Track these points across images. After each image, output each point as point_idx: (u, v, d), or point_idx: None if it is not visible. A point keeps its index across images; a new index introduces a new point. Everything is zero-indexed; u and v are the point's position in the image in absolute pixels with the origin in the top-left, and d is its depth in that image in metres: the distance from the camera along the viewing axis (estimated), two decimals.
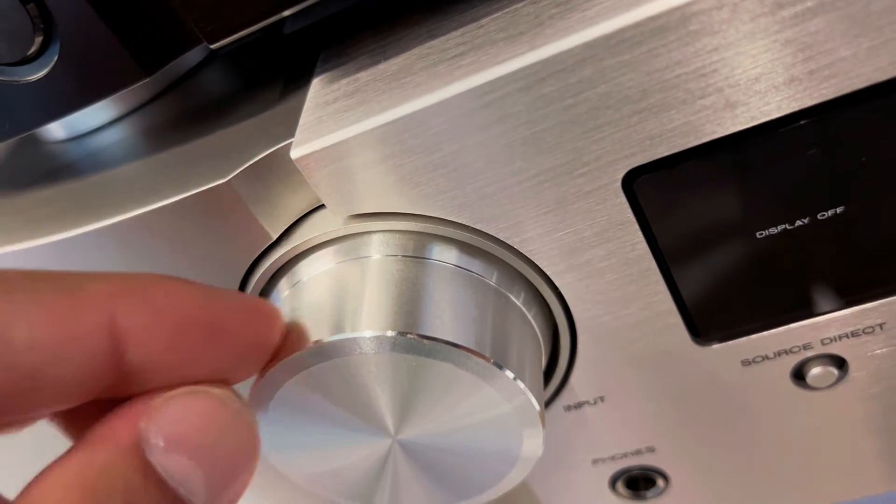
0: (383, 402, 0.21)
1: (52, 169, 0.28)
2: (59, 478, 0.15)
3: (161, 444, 0.16)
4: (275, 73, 0.26)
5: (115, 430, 0.16)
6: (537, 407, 0.21)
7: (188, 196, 0.21)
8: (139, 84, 0.22)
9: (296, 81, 0.24)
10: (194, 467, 0.16)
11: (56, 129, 0.29)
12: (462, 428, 0.22)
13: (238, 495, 0.17)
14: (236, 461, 0.17)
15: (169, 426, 0.16)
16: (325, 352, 0.20)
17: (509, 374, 0.20)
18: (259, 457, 0.17)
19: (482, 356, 0.20)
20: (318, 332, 0.20)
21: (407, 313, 0.20)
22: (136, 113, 0.28)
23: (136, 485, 0.15)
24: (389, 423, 0.21)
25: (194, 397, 0.17)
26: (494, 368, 0.20)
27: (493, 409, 0.21)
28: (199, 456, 0.16)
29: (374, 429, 0.21)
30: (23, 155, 0.30)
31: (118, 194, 0.23)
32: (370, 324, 0.20)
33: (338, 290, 0.21)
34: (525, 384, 0.21)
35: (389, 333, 0.20)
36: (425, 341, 0.20)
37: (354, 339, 0.20)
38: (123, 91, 0.26)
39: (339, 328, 0.20)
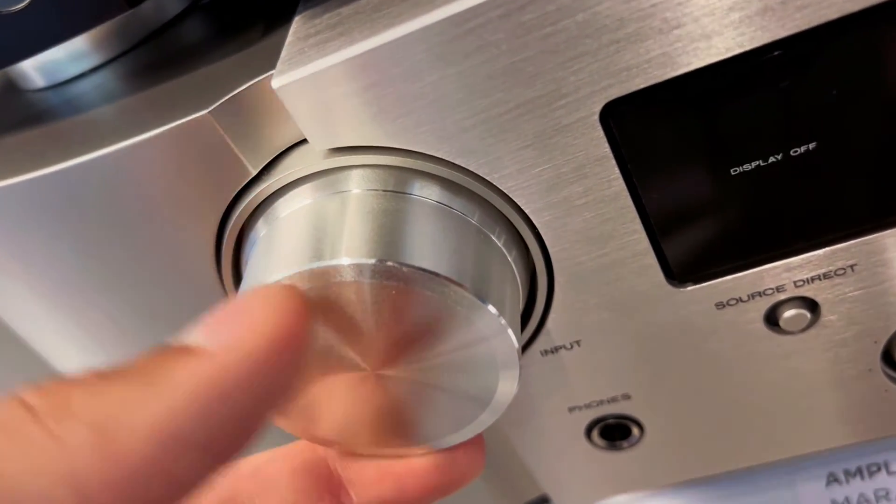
0: (361, 334, 0.21)
1: (31, 115, 0.28)
2: None
3: None
4: (256, 20, 0.27)
5: None
6: (515, 344, 0.21)
7: (168, 129, 0.22)
8: (122, 16, 0.22)
9: (278, 21, 0.24)
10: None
11: (35, 78, 0.29)
12: (438, 364, 0.22)
13: (266, 335, 0.16)
14: (238, 307, 0.17)
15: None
16: (303, 279, 0.20)
17: (491, 308, 0.21)
18: (299, 325, 0.17)
19: (463, 287, 0.20)
20: (296, 261, 0.20)
21: (388, 243, 0.20)
22: (116, 61, 0.28)
23: None
24: (368, 355, 0.21)
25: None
26: (475, 300, 0.20)
27: (470, 345, 0.21)
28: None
29: (351, 361, 0.21)
30: (0, 103, 0.30)
31: (98, 132, 0.23)
32: (350, 251, 0.20)
33: (317, 222, 0.21)
34: (505, 320, 0.21)
35: (370, 260, 0.20)
36: (405, 268, 0.20)
37: (334, 266, 0.20)
38: (104, 35, 0.26)
39: (318, 256, 0.20)
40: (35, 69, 0.28)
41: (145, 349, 0.26)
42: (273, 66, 0.21)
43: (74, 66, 0.28)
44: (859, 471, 0.31)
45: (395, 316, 0.21)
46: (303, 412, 0.23)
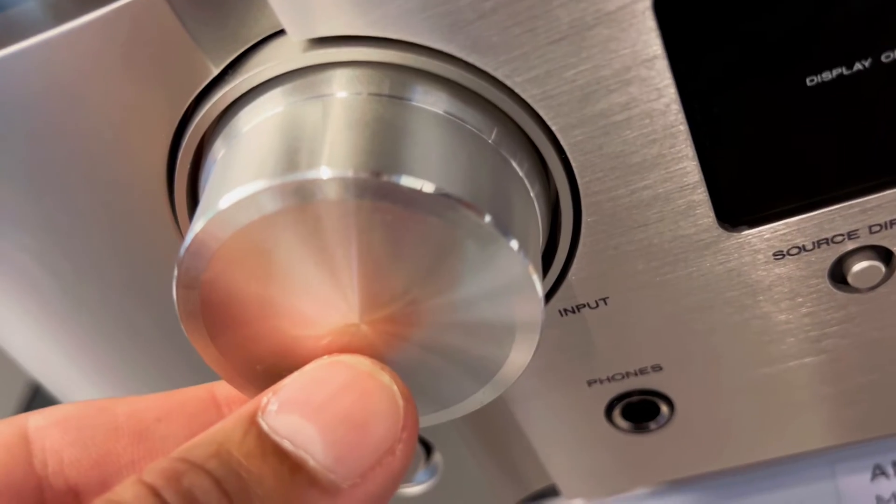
0: (347, 274, 0.17)
1: None
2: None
3: (275, 408, 0.16)
4: None
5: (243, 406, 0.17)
6: (539, 293, 0.17)
7: (108, 11, 0.17)
8: None
9: None
10: (304, 423, 0.16)
11: None
12: (438, 318, 0.18)
13: (388, 467, 0.16)
14: (362, 419, 0.16)
15: (285, 392, 0.17)
16: (273, 196, 0.16)
17: (514, 242, 0.16)
18: (410, 424, 0.17)
19: (480, 213, 0.16)
20: (264, 174, 0.16)
21: (383, 154, 0.16)
22: None
23: (252, 450, 0.15)
24: (354, 301, 0.17)
25: (316, 364, 0.17)
26: (495, 231, 0.16)
27: (482, 293, 0.17)
28: (308, 412, 0.16)
29: (331, 304, 0.17)
30: None
31: (19, 22, 0.19)
32: (333, 162, 0.16)
33: (292, 130, 0.17)
34: (530, 261, 0.17)
35: (360, 174, 0.15)
36: (405, 186, 0.16)
37: (313, 178, 0.15)
38: None
39: (292, 167, 0.16)
40: None
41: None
42: None
43: None
44: None
45: (388, 249, 0.16)
46: (265, 369, 0.18)
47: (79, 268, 0.22)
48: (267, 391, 0.17)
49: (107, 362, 0.27)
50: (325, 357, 0.18)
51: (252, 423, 0.16)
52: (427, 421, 0.20)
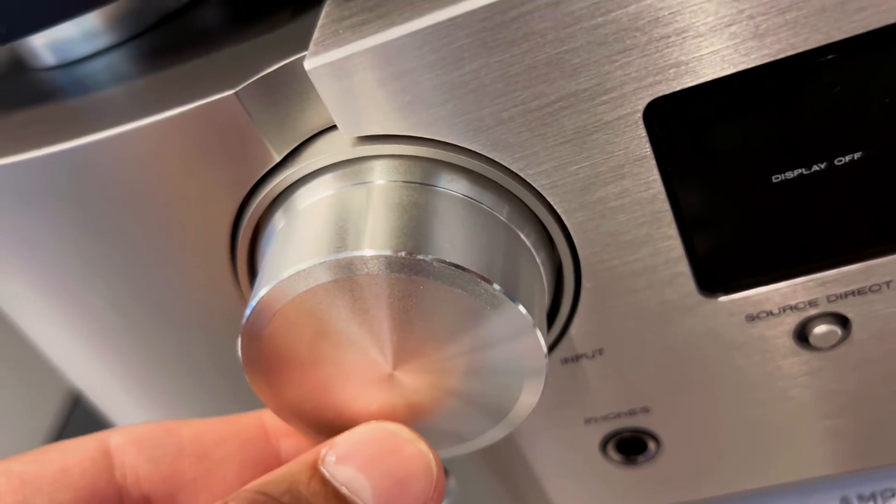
0: (382, 331, 0.20)
1: (40, 93, 0.27)
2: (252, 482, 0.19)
3: (333, 459, 0.20)
4: (279, 4, 0.26)
5: (304, 454, 0.20)
6: (544, 347, 0.21)
7: (190, 108, 0.21)
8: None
9: (304, 5, 0.23)
10: (358, 475, 0.19)
11: (45, 55, 0.28)
12: (460, 367, 0.21)
13: None
14: (404, 477, 0.20)
15: (341, 447, 0.20)
16: (326, 270, 0.19)
17: (521, 307, 0.20)
18: (440, 485, 0.20)
19: (493, 284, 0.19)
20: (318, 251, 0.19)
21: (416, 236, 0.19)
22: (130, 42, 0.27)
23: (317, 491, 0.19)
24: (387, 353, 0.21)
25: (365, 427, 0.21)
26: (506, 299, 0.19)
27: (497, 348, 0.20)
28: (362, 465, 0.19)
29: (369, 357, 0.21)
30: (7, 81, 0.29)
31: (112, 112, 0.22)
32: (376, 243, 0.19)
33: (341, 212, 0.20)
34: (535, 321, 0.20)
35: (399, 253, 0.19)
36: (435, 263, 0.19)
37: (360, 256, 0.19)
38: (119, 14, 0.25)
39: (342, 246, 0.19)
40: (45, 46, 0.27)
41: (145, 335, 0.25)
42: (304, 47, 0.20)
43: (86, 45, 0.27)
44: (873, 496, 0.30)
45: (417, 313, 0.20)
46: (312, 408, 0.22)
47: (145, 315, 0.26)
48: (324, 444, 0.20)
49: (152, 385, 0.30)
50: (374, 422, 0.21)
51: (315, 469, 0.19)
52: (447, 453, 0.23)
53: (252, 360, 0.21)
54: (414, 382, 0.21)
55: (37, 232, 0.24)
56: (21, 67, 0.29)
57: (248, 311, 0.20)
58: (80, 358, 0.30)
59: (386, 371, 0.21)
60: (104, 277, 0.25)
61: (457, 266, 0.19)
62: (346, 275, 0.19)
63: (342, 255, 0.19)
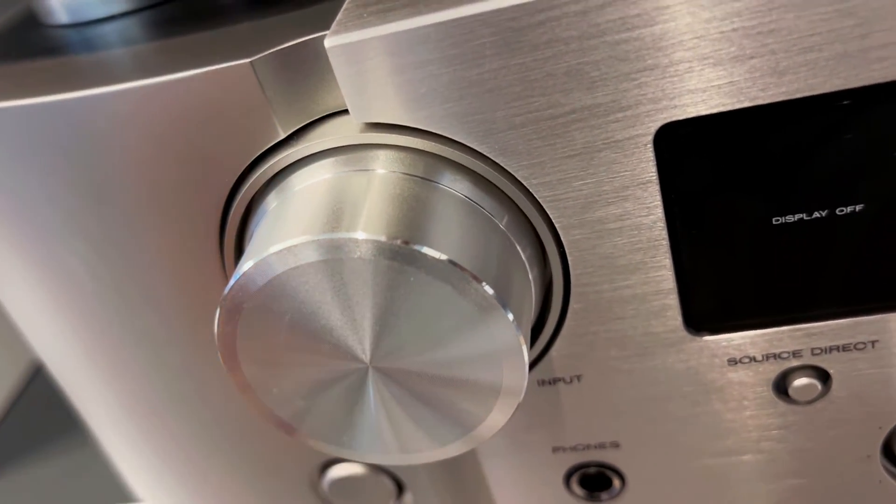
0: (365, 323, 0.20)
1: (49, 47, 0.26)
2: None
3: None
4: None
5: None
6: (525, 360, 0.20)
7: (202, 72, 0.20)
8: None
9: None
10: None
11: (59, 13, 0.27)
12: (438, 372, 0.21)
13: None
14: None
15: None
16: (316, 249, 0.19)
17: (510, 315, 0.19)
18: None
19: (486, 287, 0.19)
20: (309, 229, 0.19)
21: (412, 226, 0.19)
22: (148, 10, 0.27)
23: None
24: (367, 346, 0.20)
25: None
26: (496, 303, 0.19)
27: (479, 356, 0.20)
28: None
29: (346, 349, 0.20)
30: (17, 34, 0.29)
31: (121, 69, 0.22)
32: (371, 228, 0.19)
33: (338, 195, 0.20)
34: (521, 333, 0.20)
35: (394, 240, 0.19)
36: (429, 255, 0.19)
37: (353, 238, 0.19)
38: None
39: (335, 226, 0.19)
40: (61, 3, 0.27)
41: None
42: (326, 26, 0.20)
43: (102, 7, 0.27)
44: None
45: (404, 308, 0.19)
46: (279, 392, 0.21)
47: (120, 272, 0.25)
48: None
49: (119, 360, 0.29)
50: None
51: None
52: (402, 460, 0.23)
53: (226, 335, 0.20)
54: (387, 380, 0.21)
55: (23, 182, 0.23)
56: (34, 22, 0.29)
57: (230, 283, 0.20)
58: (45, 325, 0.29)
59: (362, 365, 0.20)
60: (88, 239, 0.25)
61: (450, 261, 0.19)
62: (336, 255, 0.19)
63: (334, 236, 0.19)
